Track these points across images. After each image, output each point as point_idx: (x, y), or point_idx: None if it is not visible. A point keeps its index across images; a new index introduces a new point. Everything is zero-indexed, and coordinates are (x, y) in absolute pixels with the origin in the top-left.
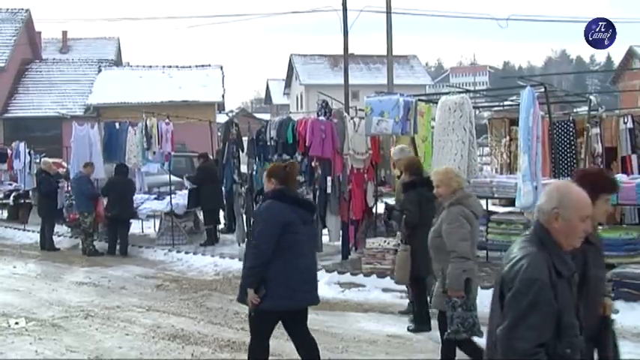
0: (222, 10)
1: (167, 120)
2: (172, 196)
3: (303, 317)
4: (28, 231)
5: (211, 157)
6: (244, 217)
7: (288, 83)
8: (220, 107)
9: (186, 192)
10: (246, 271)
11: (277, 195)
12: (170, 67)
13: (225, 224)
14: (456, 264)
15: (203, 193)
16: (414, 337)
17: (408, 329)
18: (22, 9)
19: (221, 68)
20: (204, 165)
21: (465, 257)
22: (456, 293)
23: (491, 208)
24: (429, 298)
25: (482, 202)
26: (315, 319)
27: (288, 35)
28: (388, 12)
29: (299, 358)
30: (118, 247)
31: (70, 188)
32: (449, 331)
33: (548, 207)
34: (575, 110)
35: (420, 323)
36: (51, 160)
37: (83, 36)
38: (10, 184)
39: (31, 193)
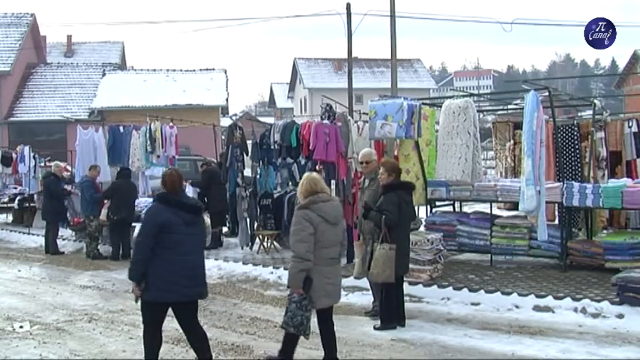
0: (226, 14)
1: (171, 123)
2: None
3: (192, 309)
4: (33, 235)
5: (215, 160)
6: (248, 220)
7: (292, 87)
8: (224, 111)
9: (189, 195)
10: (130, 265)
11: (160, 198)
12: (174, 70)
13: (228, 228)
14: (294, 263)
15: (210, 197)
16: (418, 341)
17: (375, 328)
18: (28, 13)
19: (225, 72)
20: (208, 168)
21: (302, 258)
22: (294, 290)
23: (495, 212)
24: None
25: (487, 205)
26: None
27: (292, 39)
28: (392, 16)
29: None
30: (121, 250)
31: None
32: (283, 320)
33: None
34: (579, 114)
35: (388, 321)
36: (63, 164)
37: (88, 40)
38: (15, 188)
39: (35, 196)
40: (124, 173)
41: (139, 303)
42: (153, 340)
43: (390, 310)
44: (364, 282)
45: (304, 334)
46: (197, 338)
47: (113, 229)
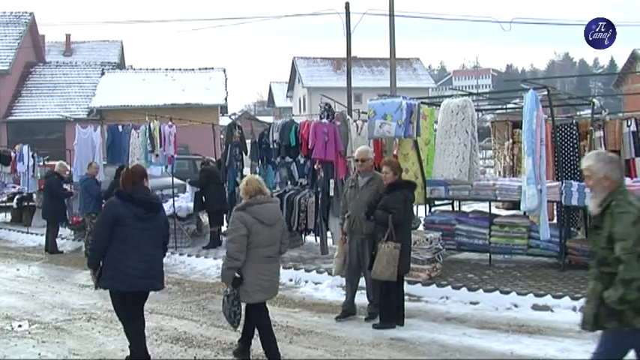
0: (225, 13)
1: (170, 123)
2: (175, 198)
3: (143, 300)
4: (32, 234)
5: (214, 159)
6: None
7: (291, 86)
8: (223, 110)
9: (188, 194)
10: (89, 254)
11: (116, 194)
12: (173, 69)
13: (228, 227)
14: (225, 261)
15: (208, 196)
16: (417, 340)
17: (374, 326)
18: (26, 12)
19: (224, 71)
20: (206, 168)
21: (231, 257)
22: (226, 285)
23: (494, 211)
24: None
25: (485, 204)
26: (317, 322)
27: (291, 38)
28: (391, 15)
29: (302, 359)
30: None
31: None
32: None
33: None
34: (578, 113)
35: (387, 320)
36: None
37: (86, 39)
38: (14, 187)
39: (34, 195)
40: (121, 173)
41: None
42: (133, 331)
43: (389, 309)
44: (362, 281)
45: (232, 325)
46: (140, 326)
47: None
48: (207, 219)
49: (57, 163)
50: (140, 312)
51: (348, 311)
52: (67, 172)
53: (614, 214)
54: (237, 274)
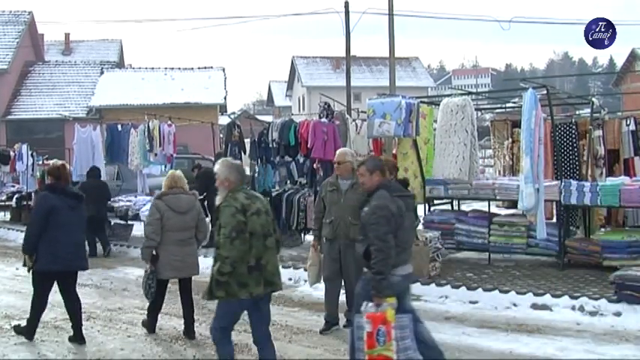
0: (224, 13)
1: (169, 122)
2: None
3: (72, 280)
4: None
5: (212, 158)
6: None
7: (290, 85)
8: (222, 109)
9: None
10: (23, 242)
11: (49, 187)
12: (172, 69)
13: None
14: (143, 242)
15: (209, 197)
16: None
17: None
18: (25, 11)
19: (223, 70)
20: (201, 172)
21: (146, 237)
22: (145, 263)
23: (495, 210)
24: None
25: (485, 204)
26: (317, 321)
27: (290, 37)
28: (390, 14)
29: (301, 358)
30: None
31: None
32: None
33: None
34: (577, 112)
35: None
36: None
37: (86, 38)
38: (13, 186)
39: (33, 194)
40: (92, 174)
41: (31, 273)
42: (40, 305)
43: None
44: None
45: (146, 297)
46: (73, 305)
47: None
48: (207, 219)
49: (59, 163)
50: (73, 291)
51: (332, 322)
52: None
53: (221, 208)
54: (154, 253)
